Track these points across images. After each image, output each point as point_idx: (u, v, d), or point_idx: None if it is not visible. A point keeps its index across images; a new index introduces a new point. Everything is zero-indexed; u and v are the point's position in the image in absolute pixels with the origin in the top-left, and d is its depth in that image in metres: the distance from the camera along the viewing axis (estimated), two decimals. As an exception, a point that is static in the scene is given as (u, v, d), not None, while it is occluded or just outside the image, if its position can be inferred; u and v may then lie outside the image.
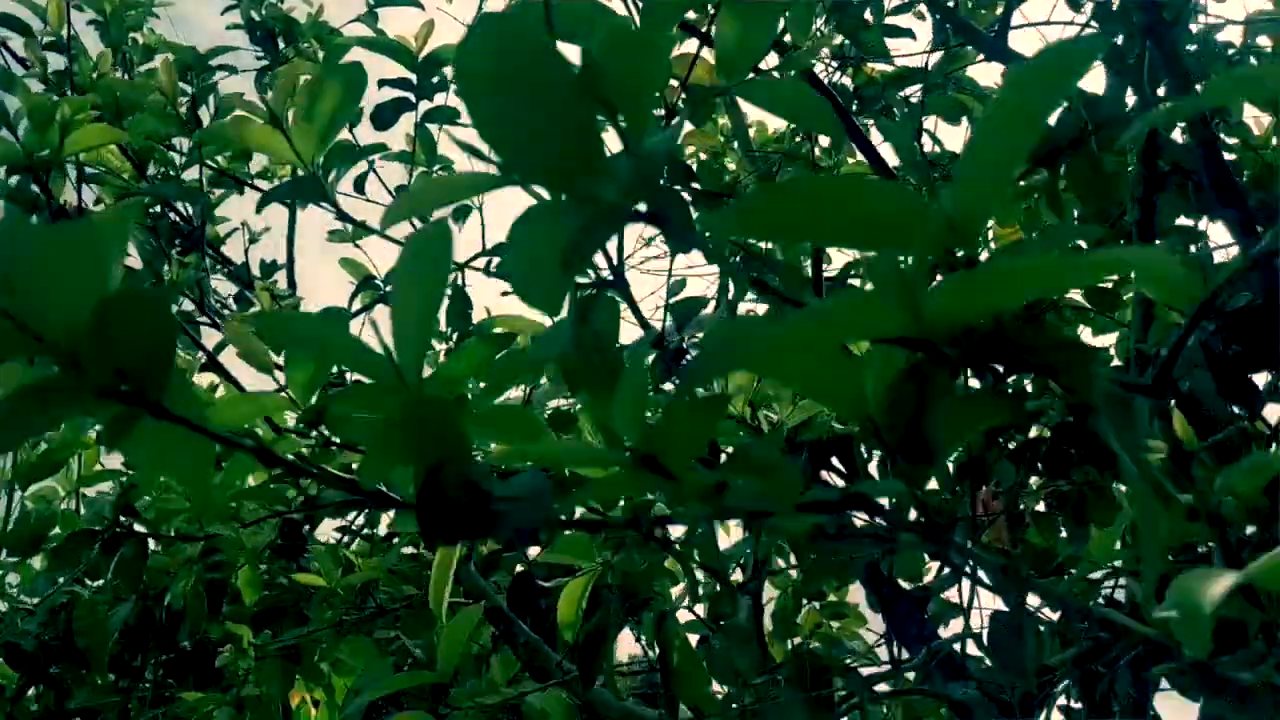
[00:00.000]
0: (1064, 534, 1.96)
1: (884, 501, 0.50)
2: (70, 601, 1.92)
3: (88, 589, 1.98)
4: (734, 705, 1.08)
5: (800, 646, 1.12)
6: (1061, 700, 1.88)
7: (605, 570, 1.18)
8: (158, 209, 2.26)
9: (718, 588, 1.18)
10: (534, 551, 1.60)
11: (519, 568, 1.61)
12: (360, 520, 1.64)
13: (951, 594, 1.76)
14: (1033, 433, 2.04)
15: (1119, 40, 1.42)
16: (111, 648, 1.89)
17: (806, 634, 1.23)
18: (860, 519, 0.52)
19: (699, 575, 1.34)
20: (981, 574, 1.71)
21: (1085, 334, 1.83)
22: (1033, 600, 1.84)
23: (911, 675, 1.51)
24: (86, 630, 1.84)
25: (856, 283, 1.80)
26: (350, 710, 1.63)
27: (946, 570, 1.71)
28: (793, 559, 1.79)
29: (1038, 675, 1.55)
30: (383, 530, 1.60)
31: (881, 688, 1.55)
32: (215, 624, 1.89)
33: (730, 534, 1.38)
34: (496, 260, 1.53)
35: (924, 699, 1.62)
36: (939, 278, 0.39)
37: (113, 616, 1.67)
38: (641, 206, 0.43)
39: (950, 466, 1.95)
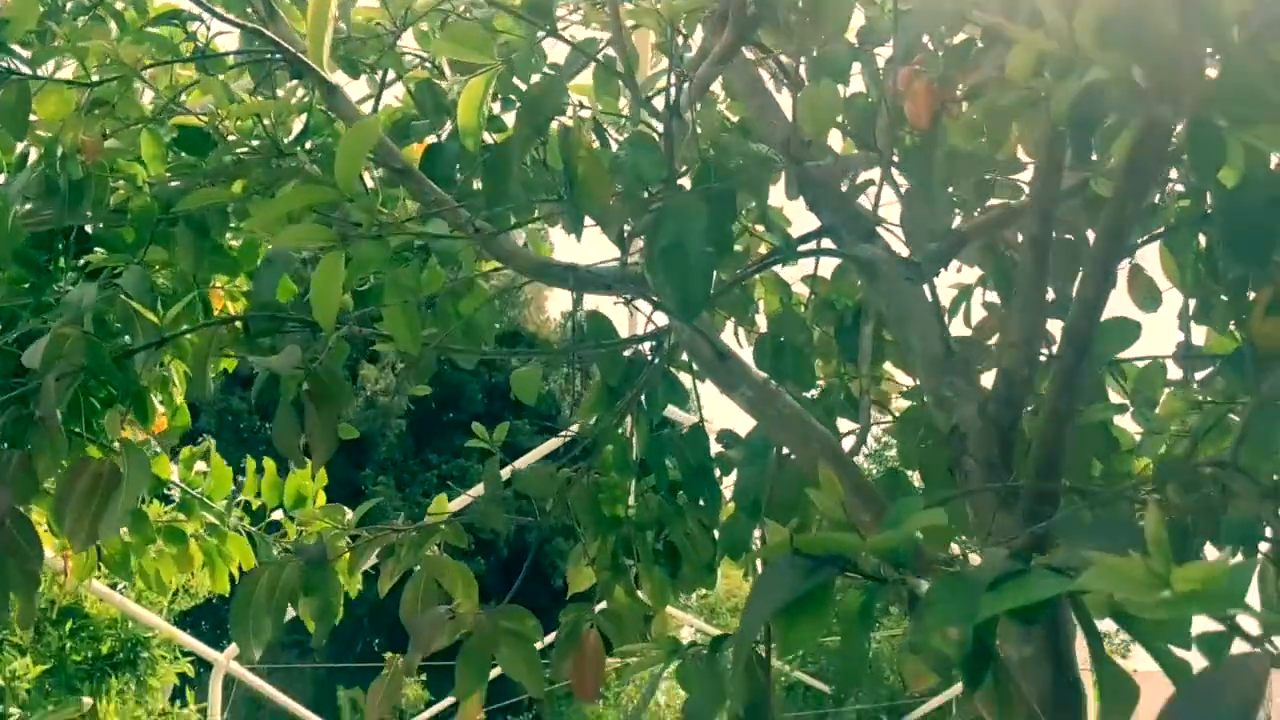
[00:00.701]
0: (984, 139, 1.96)
1: None
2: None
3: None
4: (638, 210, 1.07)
5: (705, 153, 1.10)
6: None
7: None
8: None
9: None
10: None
11: (431, 139, 1.57)
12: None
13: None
14: (961, 37, 1.99)
15: None
16: (19, 245, 1.85)
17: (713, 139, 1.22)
18: None
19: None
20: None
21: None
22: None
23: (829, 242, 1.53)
24: (-10, 218, 1.79)
25: None
26: (264, 278, 1.61)
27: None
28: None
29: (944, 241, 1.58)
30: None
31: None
32: (126, 229, 1.85)
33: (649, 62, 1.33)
34: None
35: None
36: None
37: (9, 188, 1.61)
38: None
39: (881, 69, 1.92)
